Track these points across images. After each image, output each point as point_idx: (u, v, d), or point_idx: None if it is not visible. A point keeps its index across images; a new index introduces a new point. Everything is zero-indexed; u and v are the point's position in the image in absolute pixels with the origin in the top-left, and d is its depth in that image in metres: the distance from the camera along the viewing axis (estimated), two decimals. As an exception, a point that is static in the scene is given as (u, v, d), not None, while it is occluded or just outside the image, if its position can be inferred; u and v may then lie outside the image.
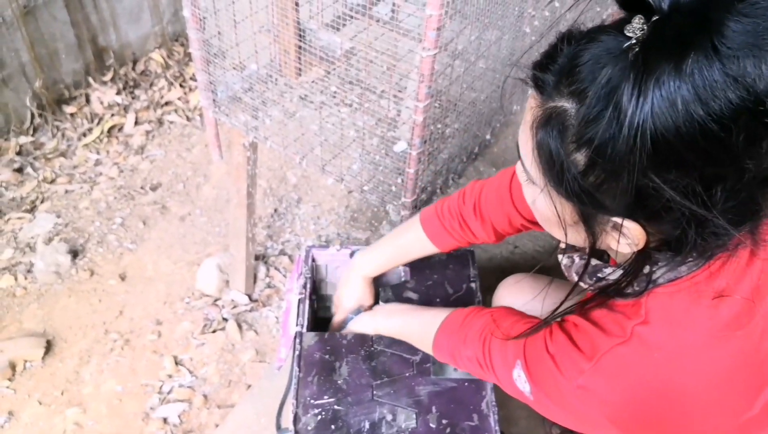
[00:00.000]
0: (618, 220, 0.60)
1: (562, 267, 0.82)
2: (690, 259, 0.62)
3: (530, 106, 0.61)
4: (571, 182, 0.58)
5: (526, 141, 0.62)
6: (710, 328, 0.64)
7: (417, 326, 1.08)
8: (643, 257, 0.64)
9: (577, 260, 0.79)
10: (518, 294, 1.19)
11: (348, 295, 1.25)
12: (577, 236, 0.67)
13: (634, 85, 0.50)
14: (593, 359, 0.67)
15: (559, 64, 0.57)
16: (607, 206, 0.59)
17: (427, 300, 1.27)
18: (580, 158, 0.57)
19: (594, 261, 0.76)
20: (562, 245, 0.81)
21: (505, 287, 1.25)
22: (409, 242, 1.18)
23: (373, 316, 1.18)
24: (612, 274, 0.71)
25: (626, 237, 0.62)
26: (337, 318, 1.27)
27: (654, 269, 0.65)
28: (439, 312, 1.02)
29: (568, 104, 0.56)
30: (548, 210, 0.66)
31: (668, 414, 0.66)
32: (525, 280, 1.21)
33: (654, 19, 0.51)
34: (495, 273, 1.31)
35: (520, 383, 0.78)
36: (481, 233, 1.09)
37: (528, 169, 0.64)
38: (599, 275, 0.72)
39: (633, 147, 0.51)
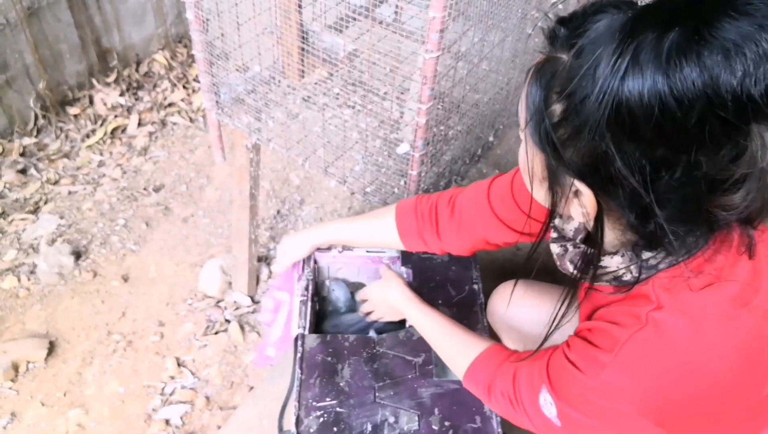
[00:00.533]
0: (575, 182, 0.62)
1: (555, 256, 0.82)
2: (681, 247, 0.63)
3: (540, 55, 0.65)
4: (543, 131, 0.61)
5: (525, 85, 0.66)
6: (719, 307, 0.65)
7: (451, 345, 1.04)
8: (598, 227, 0.66)
9: (570, 248, 0.79)
10: (514, 302, 1.18)
11: (289, 249, 1.27)
12: (542, 193, 0.70)
13: (616, 48, 0.53)
14: (613, 350, 0.67)
15: (576, 22, 0.60)
16: (566, 163, 0.61)
17: (429, 302, 1.26)
18: (558, 108, 0.60)
19: (589, 250, 0.77)
20: (554, 235, 0.82)
21: (499, 295, 1.24)
22: (378, 229, 1.17)
23: (405, 293, 1.14)
24: (607, 261, 0.71)
25: (581, 204, 0.64)
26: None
27: (649, 257, 0.66)
28: (478, 341, 0.99)
29: (565, 56, 0.59)
30: (523, 158, 0.69)
31: (694, 394, 0.66)
32: (519, 287, 1.21)
33: None
34: (497, 275, 1.31)
35: (546, 408, 0.77)
36: (454, 242, 1.09)
37: (519, 112, 0.67)
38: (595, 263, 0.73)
39: (600, 107, 0.54)
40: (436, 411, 1.09)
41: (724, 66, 0.49)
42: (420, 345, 1.17)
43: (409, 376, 1.14)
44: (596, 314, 0.73)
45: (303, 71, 1.35)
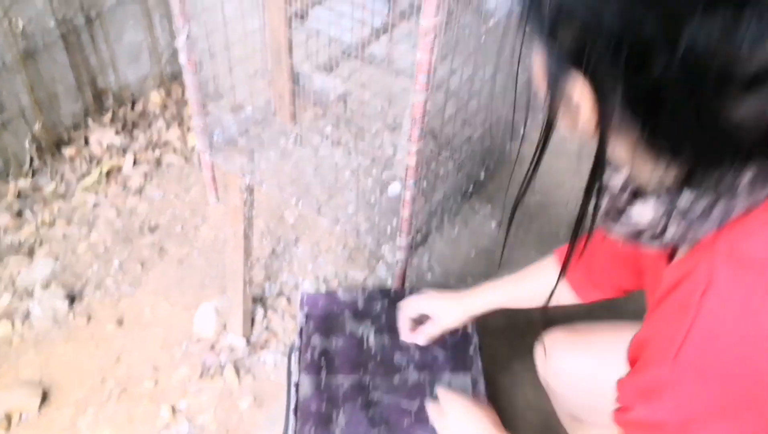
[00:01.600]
0: (570, 73, 0.55)
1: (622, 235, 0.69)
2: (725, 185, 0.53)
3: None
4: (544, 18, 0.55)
5: None
6: None
7: None
8: (602, 144, 0.56)
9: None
10: (581, 354, 1.10)
11: (442, 315, 1.18)
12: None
13: None
14: (669, 359, 0.56)
15: None
16: (558, 43, 0.55)
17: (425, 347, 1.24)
18: None
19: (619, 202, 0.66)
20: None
21: (558, 346, 1.13)
22: (539, 285, 1.09)
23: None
24: (642, 209, 0.61)
25: (579, 107, 0.57)
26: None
27: (690, 202, 0.55)
28: None
29: None
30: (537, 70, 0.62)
31: None
32: (579, 335, 1.13)
33: None
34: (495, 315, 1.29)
35: None
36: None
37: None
38: (627, 215, 0.63)
39: None
40: (434, 460, 1.06)
41: None
42: (415, 391, 1.14)
43: (405, 423, 1.11)
44: (640, 334, 0.65)
45: (294, 114, 1.35)
